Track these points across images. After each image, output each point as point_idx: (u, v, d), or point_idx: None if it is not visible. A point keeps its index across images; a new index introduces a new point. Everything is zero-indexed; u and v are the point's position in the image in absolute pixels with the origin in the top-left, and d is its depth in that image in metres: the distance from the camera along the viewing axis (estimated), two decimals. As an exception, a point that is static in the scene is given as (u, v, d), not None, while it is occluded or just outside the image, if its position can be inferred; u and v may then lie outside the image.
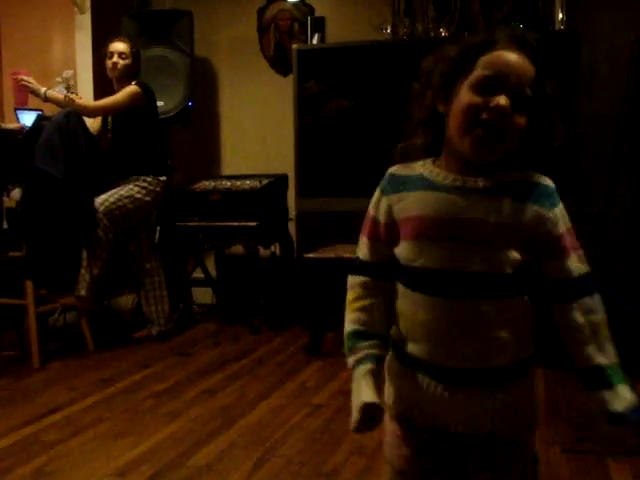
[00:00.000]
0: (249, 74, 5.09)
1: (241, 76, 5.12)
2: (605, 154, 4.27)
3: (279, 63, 4.99)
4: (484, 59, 1.16)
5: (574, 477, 2.25)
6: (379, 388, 1.21)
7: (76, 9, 4.88)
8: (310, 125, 4.31)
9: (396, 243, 1.22)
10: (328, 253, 3.73)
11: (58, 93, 4.13)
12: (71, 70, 4.83)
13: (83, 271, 3.85)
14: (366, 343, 1.22)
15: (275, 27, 5.00)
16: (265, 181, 4.45)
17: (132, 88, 4.04)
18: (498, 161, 1.18)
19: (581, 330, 1.23)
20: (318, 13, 4.80)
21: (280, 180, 4.58)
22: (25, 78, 3.96)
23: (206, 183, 4.57)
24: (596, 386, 1.22)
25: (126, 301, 4.71)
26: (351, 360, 1.23)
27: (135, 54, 4.14)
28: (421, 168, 1.22)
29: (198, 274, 4.89)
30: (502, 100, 1.13)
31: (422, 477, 1.24)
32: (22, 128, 3.95)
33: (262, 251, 4.58)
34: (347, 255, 3.71)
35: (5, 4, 5.08)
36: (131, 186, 4.04)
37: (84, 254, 3.85)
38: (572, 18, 4.01)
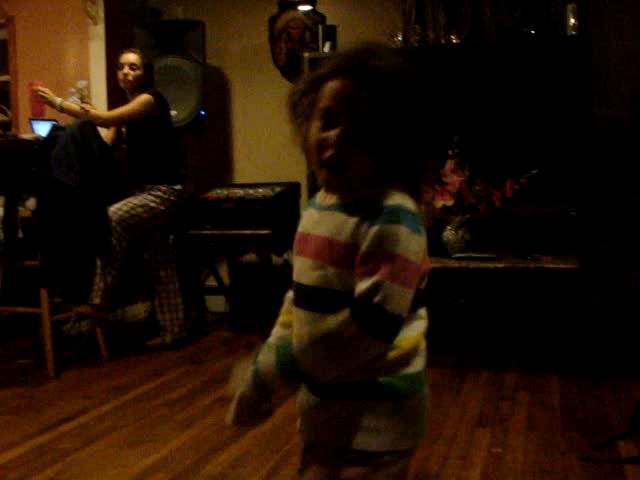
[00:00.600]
0: (261, 83, 5.10)
1: (253, 85, 5.14)
2: (618, 159, 4.25)
3: (291, 71, 5.01)
4: (321, 91, 1.14)
5: (590, 484, 2.23)
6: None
7: (90, 20, 4.92)
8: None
9: None
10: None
11: (73, 103, 4.16)
12: (85, 80, 4.86)
13: (97, 279, 3.87)
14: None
15: (287, 36, 5.02)
16: (278, 189, 4.46)
17: (145, 97, 4.06)
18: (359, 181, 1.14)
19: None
20: (329, 22, 4.80)
21: (292, 188, 4.59)
22: (41, 89, 3.99)
23: (219, 191, 4.58)
24: None
25: (140, 309, 4.72)
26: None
27: (147, 65, 4.16)
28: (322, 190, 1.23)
29: (211, 282, 4.90)
30: (331, 136, 1.10)
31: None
32: (37, 138, 3.98)
33: (275, 259, 4.58)
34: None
35: (20, 16, 5.13)
36: (145, 195, 4.06)
37: (98, 263, 3.87)
38: (584, 23, 4.00)
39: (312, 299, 1.15)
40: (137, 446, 2.64)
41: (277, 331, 1.29)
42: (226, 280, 4.99)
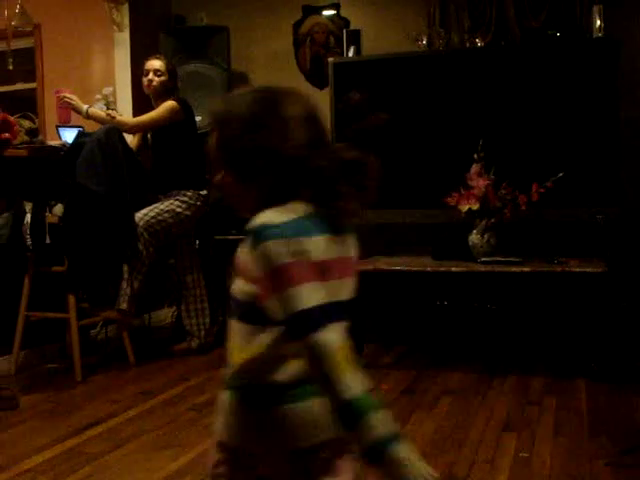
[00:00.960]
0: (286, 88, 5.11)
1: (278, 90, 5.14)
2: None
3: (315, 76, 5.02)
4: None
5: (619, 490, 2.21)
6: None
7: (115, 27, 4.97)
8: (348, 137, 4.31)
9: None
10: (367, 265, 3.72)
11: (99, 110, 4.20)
12: (110, 87, 4.91)
13: (124, 285, 3.89)
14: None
15: (311, 40, 5.03)
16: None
17: (170, 104, 4.08)
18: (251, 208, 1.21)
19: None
20: (353, 26, 4.80)
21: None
22: (68, 96, 4.03)
23: (244, 196, 4.59)
24: None
25: (166, 314, 4.75)
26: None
27: (171, 71, 4.18)
28: None
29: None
30: (215, 178, 1.27)
31: None
32: (64, 145, 4.01)
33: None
34: (385, 267, 3.71)
35: (46, 24, 5.19)
36: (172, 200, 4.08)
37: (125, 268, 3.89)
38: (610, 25, 3.97)
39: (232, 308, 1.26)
40: (164, 450, 2.66)
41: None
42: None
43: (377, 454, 1.06)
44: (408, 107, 4.19)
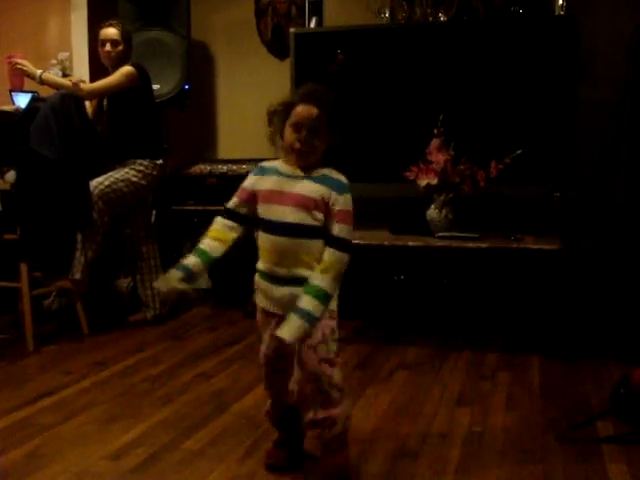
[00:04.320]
0: (246, 58, 5.06)
1: (238, 60, 5.09)
2: (604, 142, 4.25)
3: (276, 47, 4.96)
4: (292, 112, 1.97)
5: (569, 464, 2.25)
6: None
7: (72, -10, 4.84)
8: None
9: (255, 204, 2.05)
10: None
11: (54, 75, 4.10)
12: (67, 52, 4.80)
13: (78, 254, 3.84)
14: (194, 258, 2.07)
15: (273, 10, 4.96)
16: (261, 165, 4.43)
17: (127, 69, 4.01)
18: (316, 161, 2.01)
19: (323, 261, 1.94)
20: (316, -4, 4.75)
21: (276, 164, 4.55)
22: (20, 61, 3.92)
23: (202, 167, 4.55)
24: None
25: (121, 285, 4.69)
26: (186, 262, 2.06)
27: (127, 38, 4.11)
28: (276, 163, 2.06)
29: (194, 258, 4.87)
30: (302, 136, 1.95)
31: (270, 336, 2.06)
32: (17, 110, 3.92)
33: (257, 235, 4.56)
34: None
35: (0, -15, 5.04)
36: (127, 169, 4.02)
37: (79, 237, 3.84)
38: (572, 3, 3.97)
39: (293, 231, 1.95)
40: (117, 421, 2.63)
41: (207, 243, 2.11)
42: (208, 256, 4.96)
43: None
44: (369, 80, 4.16)
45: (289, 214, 1.95)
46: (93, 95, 4.09)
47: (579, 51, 3.81)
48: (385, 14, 4.39)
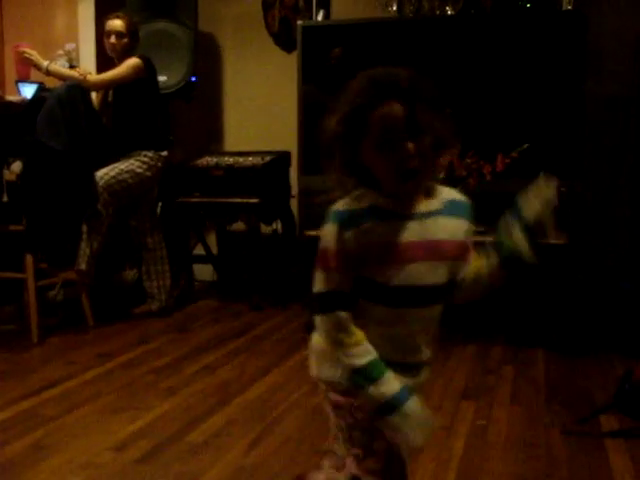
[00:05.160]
0: (253, 50, 5.04)
1: (245, 52, 5.08)
2: (611, 137, 4.23)
3: (283, 39, 4.95)
4: (373, 119, 1.28)
5: (572, 458, 2.24)
6: None
7: (79, -19, 4.83)
8: (314, 102, 4.27)
9: (362, 268, 1.32)
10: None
11: (60, 67, 4.09)
12: (73, 43, 4.79)
13: (83, 245, 3.84)
14: (390, 373, 1.31)
15: (280, 3, 4.95)
16: (267, 158, 4.43)
17: (134, 61, 4.01)
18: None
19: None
20: (323, -11, 4.74)
21: (283, 157, 4.55)
22: (27, 51, 3.92)
23: (208, 159, 4.55)
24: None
25: (127, 276, 4.70)
26: (387, 390, 1.30)
27: (133, 31, 4.10)
28: (367, 200, 1.33)
29: (199, 250, 4.88)
30: (409, 147, 1.26)
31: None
32: (23, 100, 3.92)
33: (264, 228, 4.56)
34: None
35: (7, -24, 5.03)
36: (132, 161, 4.02)
37: (84, 228, 3.84)
38: (581, -2, 3.96)
39: (432, 296, 1.37)
40: (121, 413, 2.63)
41: (367, 348, 1.32)
42: (214, 248, 4.97)
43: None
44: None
45: (428, 274, 1.34)
46: (99, 86, 4.09)
47: (586, 46, 3.79)
48: (393, 7, 4.37)
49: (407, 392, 1.30)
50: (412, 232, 1.31)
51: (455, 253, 1.36)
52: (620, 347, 3.43)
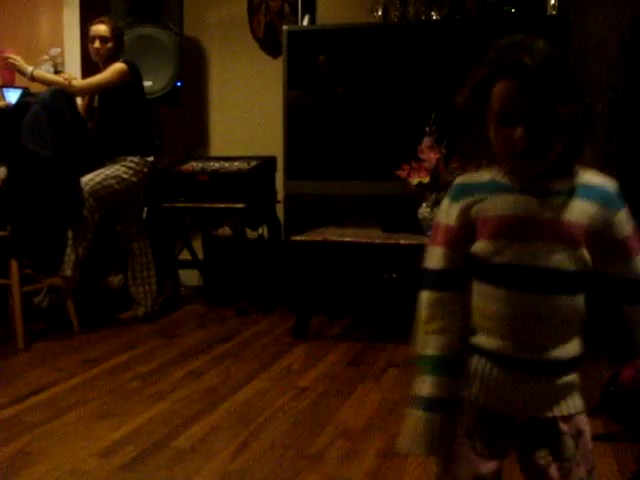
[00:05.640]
0: (239, 55, 5.05)
1: (231, 57, 5.08)
2: (595, 142, 4.25)
3: (269, 44, 4.95)
4: (492, 93, 1.25)
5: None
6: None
7: (64, -14, 4.82)
8: (299, 108, 4.28)
9: (471, 243, 1.26)
10: (316, 236, 3.71)
11: (45, 72, 4.08)
12: (58, 48, 4.77)
13: (69, 251, 3.82)
14: (445, 379, 1.27)
15: (266, 8, 4.95)
16: (253, 163, 4.43)
17: (120, 66, 4.00)
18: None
19: None
20: (309, -6, 4.75)
21: (268, 162, 4.56)
22: (12, 56, 3.91)
23: (194, 164, 4.54)
24: None
25: (113, 282, 4.68)
26: (426, 390, 1.29)
27: (117, 35, 4.09)
28: (489, 175, 1.28)
29: (185, 256, 4.87)
30: (515, 131, 1.18)
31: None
32: (8, 106, 3.90)
33: (249, 233, 4.56)
34: (334, 238, 3.70)
35: (-9, -20, 5.01)
36: (118, 166, 4.01)
37: (70, 234, 3.82)
38: (564, 3, 3.99)
39: (551, 283, 1.22)
40: (107, 419, 2.62)
41: (437, 342, 1.28)
42: (200, 254, 4.96)
43: None
44: (361, 78, 4.16)
45: (541, 255, 1.21)
46: (84, 92, 4.09)
47: (570, 50, 3.82)
48: (378, 12, 4.40)
49: (427, 403, 1.29)
50: (526, 207, 1.22)
51: (578, 238, 1.21)
52: (606, 352, 3.44)
